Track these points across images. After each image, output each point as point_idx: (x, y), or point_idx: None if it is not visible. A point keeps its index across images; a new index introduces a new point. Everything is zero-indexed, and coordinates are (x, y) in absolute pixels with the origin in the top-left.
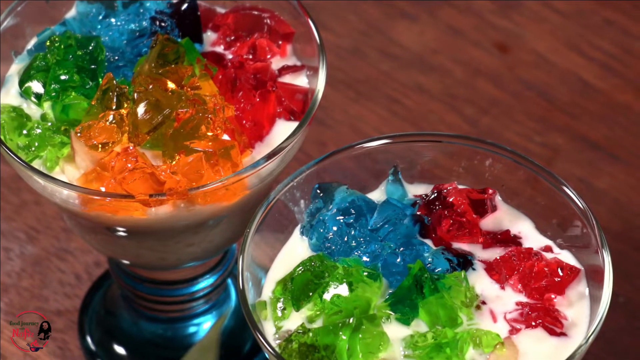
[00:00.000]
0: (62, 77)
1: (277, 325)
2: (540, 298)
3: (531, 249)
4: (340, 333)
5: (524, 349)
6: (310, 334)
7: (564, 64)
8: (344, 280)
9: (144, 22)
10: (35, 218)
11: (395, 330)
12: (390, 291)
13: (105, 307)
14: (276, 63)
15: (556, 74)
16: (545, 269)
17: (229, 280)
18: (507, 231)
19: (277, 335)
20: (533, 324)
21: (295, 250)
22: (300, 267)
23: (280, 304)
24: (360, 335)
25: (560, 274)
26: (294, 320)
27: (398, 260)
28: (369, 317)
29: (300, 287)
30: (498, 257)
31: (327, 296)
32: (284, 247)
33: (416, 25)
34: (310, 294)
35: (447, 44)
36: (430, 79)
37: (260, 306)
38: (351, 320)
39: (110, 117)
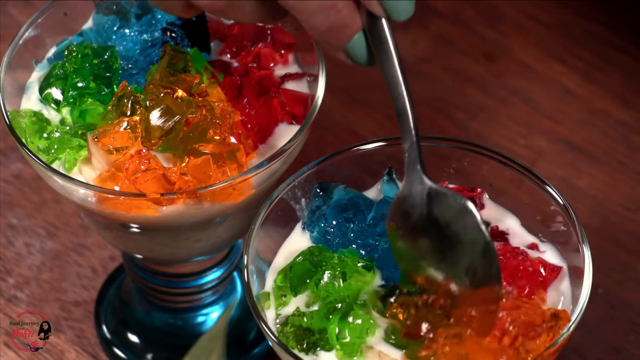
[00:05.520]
0: (80, 84)
1: (277, 312)
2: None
3: (518, 248)
4: (331, 317)
5: None
6: (305, 318)
7: (547, 72)
8: (340, 269)
9: (155, 33)
10: (55, 215)
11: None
12: (382, 282)
13: (120, 298)
14: (279, 71)
15: (540, 81)
16: (530, 268)
17: (235, 273)
18: (495, 227)
19: (277, 321)
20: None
21: (297, 245)
22: (300, 257)
23: (281, 292)
24: (349, 320)
25: (544, 273)
26: (293, 306)
27: None
28: (359, 304)
29: (299, 275)
30: None
31: (322, 284)
32: (285, 242)
33: (409, 35)
34: (307, 280)
35: (438, 53)
36: (422, 86)
37: (264, 297)
38: (340, 306)
39: (124, 124)
